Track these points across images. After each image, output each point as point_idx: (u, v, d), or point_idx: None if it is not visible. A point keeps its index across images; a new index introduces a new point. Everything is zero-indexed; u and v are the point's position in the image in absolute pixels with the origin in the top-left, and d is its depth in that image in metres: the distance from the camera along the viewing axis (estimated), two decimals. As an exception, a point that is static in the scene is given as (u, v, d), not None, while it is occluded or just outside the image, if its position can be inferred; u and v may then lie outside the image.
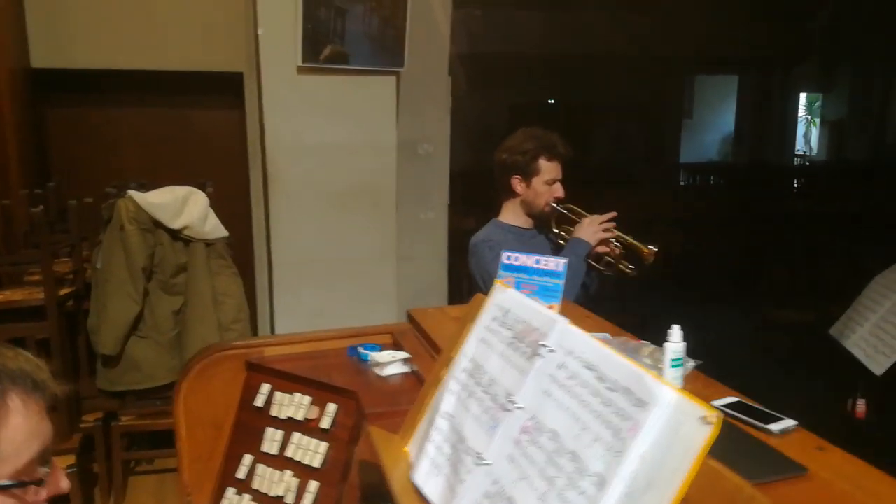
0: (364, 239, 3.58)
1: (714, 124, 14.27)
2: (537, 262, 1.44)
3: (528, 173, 2.11)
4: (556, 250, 2.16)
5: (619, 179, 11.50)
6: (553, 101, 13.41)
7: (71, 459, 2.70)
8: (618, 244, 2.09)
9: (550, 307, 1.43)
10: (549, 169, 2.11)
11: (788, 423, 1.08)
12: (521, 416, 0.88)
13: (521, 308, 1.02)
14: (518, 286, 1.47)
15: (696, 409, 0.67)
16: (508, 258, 1.48)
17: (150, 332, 2.86)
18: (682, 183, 12.04)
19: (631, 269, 2.08)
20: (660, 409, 0.69)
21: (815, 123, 14.66)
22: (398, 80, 3.62)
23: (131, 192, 2.75)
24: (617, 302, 5.89)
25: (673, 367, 1.24)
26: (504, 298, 1.07)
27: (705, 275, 7.11)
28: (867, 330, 2.00)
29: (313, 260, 3.51)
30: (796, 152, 14.40)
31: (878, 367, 1.90)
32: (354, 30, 3.29)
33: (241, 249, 3.76)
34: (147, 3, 3.64)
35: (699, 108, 14.34)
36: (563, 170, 2.14)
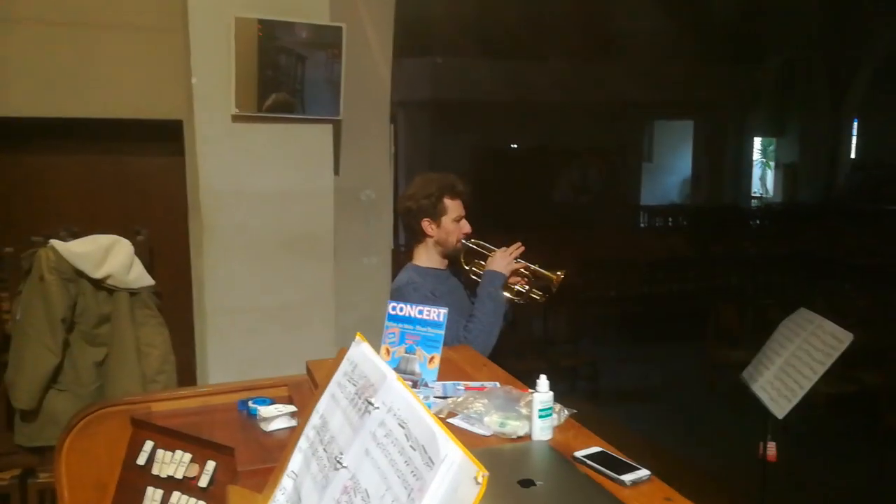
0: (301, 286, 3.55)
1: (673, 167, 14.61)
2: (420, 312, 1.44)
3: (436, 214, 2.20)
4: (472, 286, 2.24)
5: (580, 222, 11.67)
6: (515, 146, 13.64)
7: (-19, 520, 2.59)
8: (527, 273, 2.18)
9: (432, 357, 1.43)
10: (454, 207, 2.21)
11: (642, 473, 1.08)
12: (345, 475, 0.87)
13: (364, 362, 1.01)
14: (403, 336, 1.47)
15: (473, 468, 0.66)
16: (394, 308, 1.48)
17: (70, 385, 2.79)
18: (641, 225, 12.24)
19: (540, 295, 2.14)
20: (445, 468, 0.69)
21: (769, 166, 15.08)
22: (337, 127, 3.65)
23: (53, 242, 2.71)
24: (571, 344, 5.91)
25: (541, 417, 1.23)
26: (356, 352, 1.06)
27: (660, 315, 7.19)
28: (773, 373, 2.02)
29: (248, 309, 3.46)
30: (753, 194, 14.77)
31: (779, 411, 1.91)
32: (307, 77, 3.34)
33: (181, 299, 3.70)
34: (85, 50, 3.63)
35: (659, 152, 14.69)
36: (465, 206, 2.24)
